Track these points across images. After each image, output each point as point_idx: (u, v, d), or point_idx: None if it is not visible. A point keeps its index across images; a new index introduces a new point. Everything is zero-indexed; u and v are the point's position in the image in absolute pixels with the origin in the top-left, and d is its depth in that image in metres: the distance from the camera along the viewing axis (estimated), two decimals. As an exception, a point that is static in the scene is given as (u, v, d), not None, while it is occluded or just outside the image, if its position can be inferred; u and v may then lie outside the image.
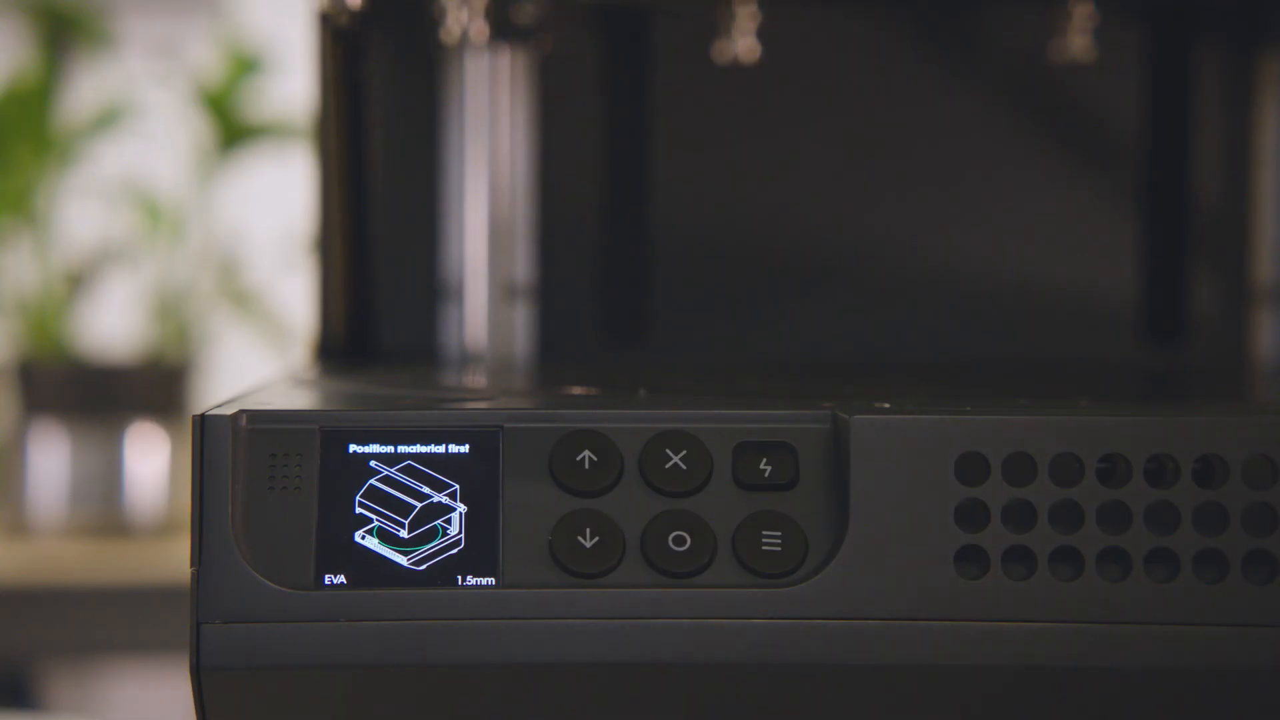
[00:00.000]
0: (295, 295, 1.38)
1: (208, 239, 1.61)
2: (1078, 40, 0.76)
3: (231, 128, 1.57)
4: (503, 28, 0.76)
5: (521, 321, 0.79)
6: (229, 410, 0.46)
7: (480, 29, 0.75)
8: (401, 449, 0.46)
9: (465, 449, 0.47)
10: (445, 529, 0.46)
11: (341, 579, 0.46)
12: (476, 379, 0.69)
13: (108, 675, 1.70)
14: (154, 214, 1.59)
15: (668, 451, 0.46)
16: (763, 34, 0.76)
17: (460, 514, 0.46)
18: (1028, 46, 0.79)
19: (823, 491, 0.46)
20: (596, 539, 0.46)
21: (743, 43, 0.76)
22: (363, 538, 0.46)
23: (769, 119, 0.81)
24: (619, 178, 0.81)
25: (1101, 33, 0.77)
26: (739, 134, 0.81)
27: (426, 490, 0.46)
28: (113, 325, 1.68)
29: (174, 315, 1.57)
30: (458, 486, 0.46)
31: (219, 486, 0.46)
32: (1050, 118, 0.80)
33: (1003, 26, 0.80)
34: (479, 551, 0.46)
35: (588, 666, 0.46)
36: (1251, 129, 0.79)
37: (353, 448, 0.46)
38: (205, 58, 1.68)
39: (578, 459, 0.46)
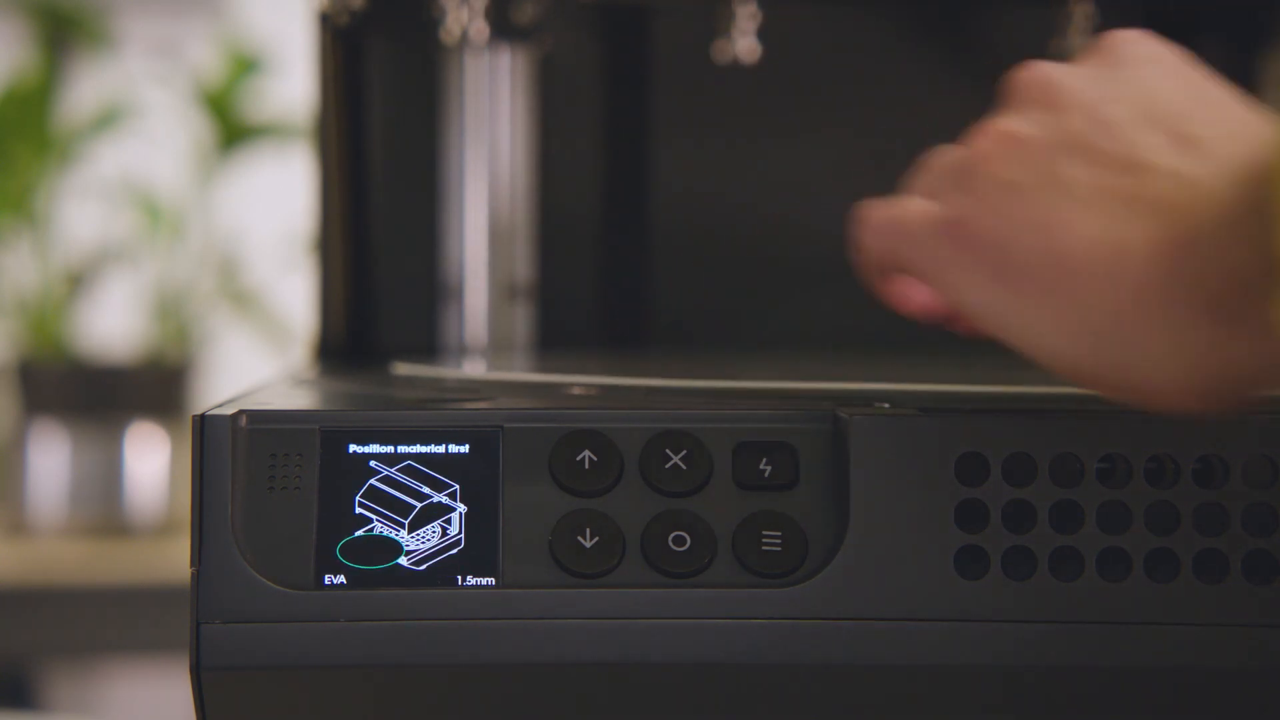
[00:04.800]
0: (295, 295, 1.38)
1: (208, 239, 1.61)
2: (1078, 40, 0.76)
3: (231, 128, 1.57)
4: (503, 27, 0.76)
5: (521, 321, 0.79)
6: (229, 410, 0.46)
7: (480, 29, 0.75)
8: (401, 449, 0.46)
9: (465, 449, 0.47)
10: (445, 529, 0.46)
11: (341, 579, 0.46)
12: (476, 378, 0.69)
13: (108, 675, 1.70)
14: (154, 214, 1.59)
15: (668, 451, 0.46)
16: (763, 34, 0.76)
17: (460, 514, 0.46)
18: (1027, 46, 0.79)
19: (823, 491, 0.46)
20: (596, 539, 0.46)
21: (743, 43, 0.76)
22: (363, 538, 0.46)
23: (768, 118, 0.81)
24: (618, 176, 0.81)
25: (1101, 32, 0.77)
26: (738, 132, 0.81)
27: (426, 490, 0.46)
28: (113, 325, 1.68)
29: (174, 315, 1.57)
30: (458, 486, 0.46)
31: (219, 486, 0.46)
32: None
33: (1002, 25, 0.80)
34: (479, 551, 0.46)
35: (588, 666, 0.45)
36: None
37: (353, 448, 0.46)
38: (205, 58, 1.68)
39: (578, 459, 0.46)
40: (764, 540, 0.46)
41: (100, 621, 1.43)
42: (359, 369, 0.70)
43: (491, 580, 0.46)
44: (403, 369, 0.66)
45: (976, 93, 0.80)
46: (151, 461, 1.50)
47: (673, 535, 0.46)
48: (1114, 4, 0.77)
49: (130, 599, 1.41)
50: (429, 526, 0.46)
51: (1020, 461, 0.46)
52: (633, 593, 0.45)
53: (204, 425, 0.46)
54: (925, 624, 0.46)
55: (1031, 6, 0.78)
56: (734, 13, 0.76)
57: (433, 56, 0.78)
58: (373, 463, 0.46)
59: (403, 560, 0.46)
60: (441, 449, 0.47)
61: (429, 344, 0.79)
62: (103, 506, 1.49)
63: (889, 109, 0.80)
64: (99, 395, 1.50)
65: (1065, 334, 0.41)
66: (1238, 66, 0.79)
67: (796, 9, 0.79)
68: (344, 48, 0.77)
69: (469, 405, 0.49)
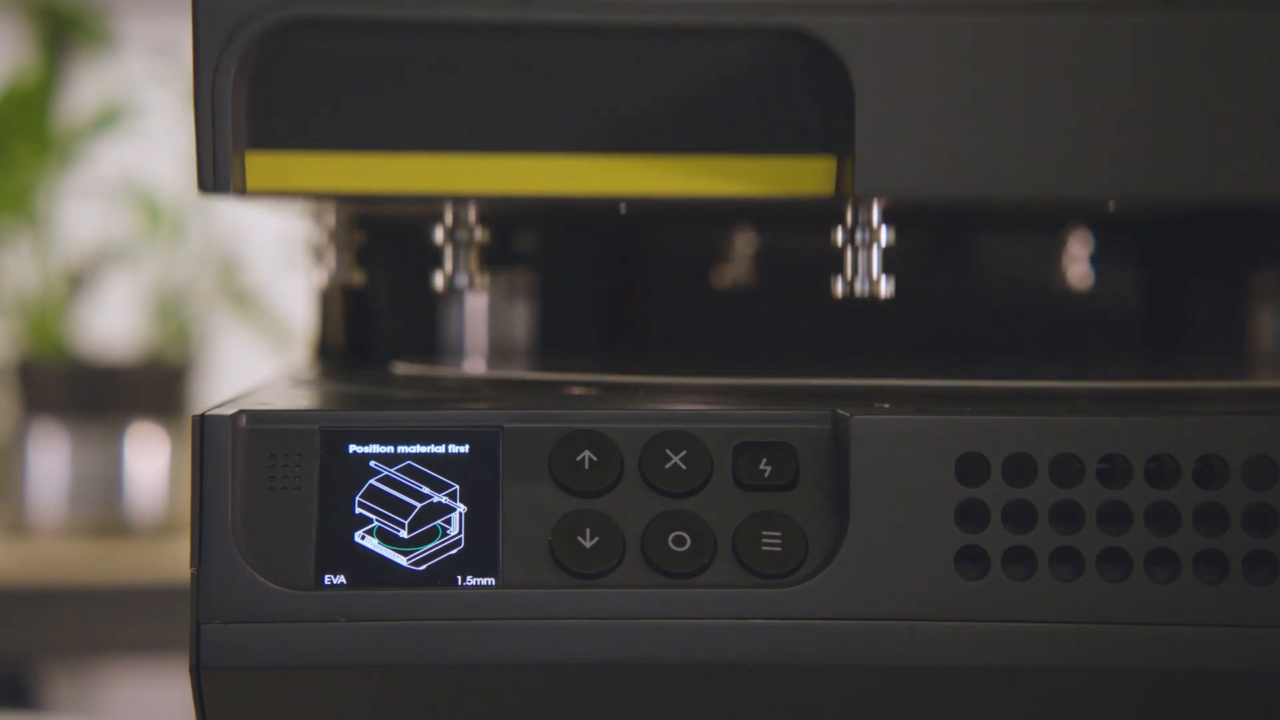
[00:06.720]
0: (295, 295, 1.38)
1: (208, 239, 1.61)
2: (1073, 267, 0.75)
3: (231, 128, 1.57)
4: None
5: (521, 321, 0.79)
6: (229, 410, 0.46)
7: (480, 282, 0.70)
8: (401, 449, 0.46)
9: (465, 449, 0.47)
10: (445, 529, 0.46)
11: (341, 579, 0.46)
12: (476, 378, 0.69)
13: (108, 675, 1.70)
14: (154, 214, 1.59)
15: (668, 451, 0.46)
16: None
17: (460, 514, 0.46)
18: (1026, 272, 0.77)
19: (823, 491, 0.46)
20: (596, 539, 0.46)
21: (741, 267, 0.76)
22: (363, 538, 0.46)
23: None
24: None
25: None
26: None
27: (426, 490, 0.46)
28: (113, 325, 1.68)
29: (174, 315, 1.57)
30: (458, 486, 0.46)
31: (219, 486, 0.46)
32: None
33: (1001, 251, 0.78)
34: (479, 551, 0.46)
35: (588, 666, 0.46)
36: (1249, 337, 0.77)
37: (353, 448, 0.46)
38: (205, 58, 1.68)
39: (578, 459, 0.46)
40: (764, 540, 0.46)
41: (100, 621, 1.43)
42: (359, 369, 0.69)
43: (491, 580, 0.46)
44: (403, 369, 0.66)
45: (972, 316, 0.79)
46: (151, 461, 1.50)
47: (673, 535, 0.46)
48: (1112, 233, 0.76)
49: (130, 599, 1.41)
50: (429, 526, 0.46)
51: (1020, 461, 0.46)
52: (633, 593, 0.45)
53: (204, 425, 0.46)
54: (925, 624, 0.46)
55: (1030, 234, 0.77)
56: (732, 240, 0.76)
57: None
58: (372, 463, 0.46)
59: (403, 560, 0.46)
60: (441, 449, 0.47)
61: (429, 344, 0.79)
62: (103, 506, 1.49)
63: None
64: (99, 395, 1.50)
65: None
66: (1231, 282, 0.77)
67: (794, 236, 0.78)
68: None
69: (469, 405, 0.49)
